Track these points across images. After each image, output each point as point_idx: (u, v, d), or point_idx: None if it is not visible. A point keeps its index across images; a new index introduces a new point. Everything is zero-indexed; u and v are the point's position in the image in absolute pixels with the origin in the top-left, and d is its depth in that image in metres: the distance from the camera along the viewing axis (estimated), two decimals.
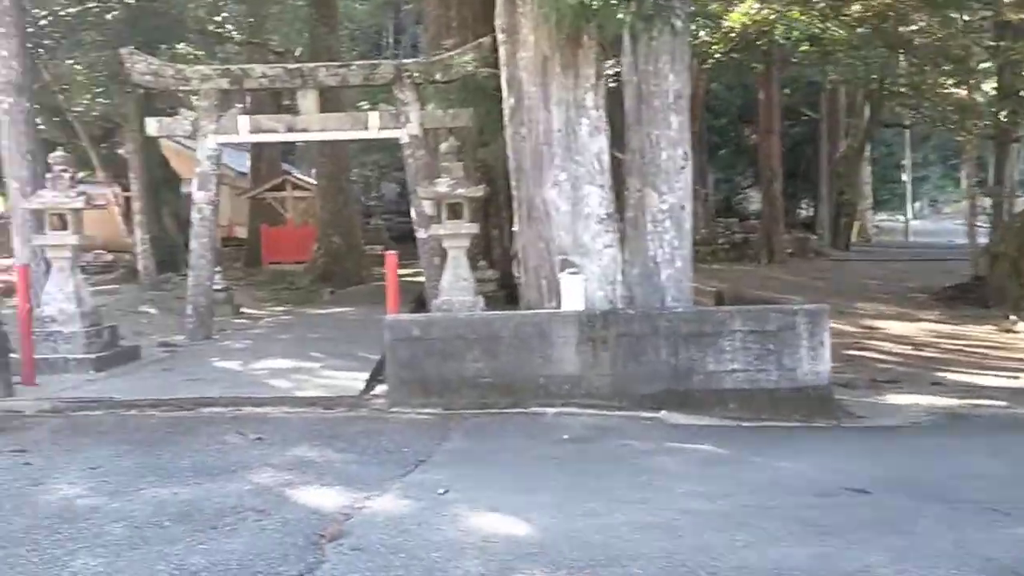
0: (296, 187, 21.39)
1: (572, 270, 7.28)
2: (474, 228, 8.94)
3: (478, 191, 8.89)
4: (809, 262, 25.14)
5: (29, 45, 13.23)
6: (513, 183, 7.86)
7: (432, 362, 7.11)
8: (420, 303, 13.35)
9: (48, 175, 9.24)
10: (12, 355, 8.07)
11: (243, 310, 14.46)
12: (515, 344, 7.05)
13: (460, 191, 8.69)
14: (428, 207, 11.06)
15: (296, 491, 4.97)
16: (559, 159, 7.46)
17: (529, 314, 7.26)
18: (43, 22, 15.50)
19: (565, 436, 6.23)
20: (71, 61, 16.41)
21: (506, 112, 7.81)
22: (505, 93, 7.78)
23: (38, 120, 15.07)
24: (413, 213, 11.23)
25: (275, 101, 21.13)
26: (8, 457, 5.70)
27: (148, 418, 6.84)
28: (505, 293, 11.95)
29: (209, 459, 5.63)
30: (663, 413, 6.83)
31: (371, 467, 5.45)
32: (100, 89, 16.14)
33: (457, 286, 8.77)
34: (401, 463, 5.53)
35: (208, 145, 11.23)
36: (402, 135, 11.13)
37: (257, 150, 25.92)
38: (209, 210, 11.38)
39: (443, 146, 9.01)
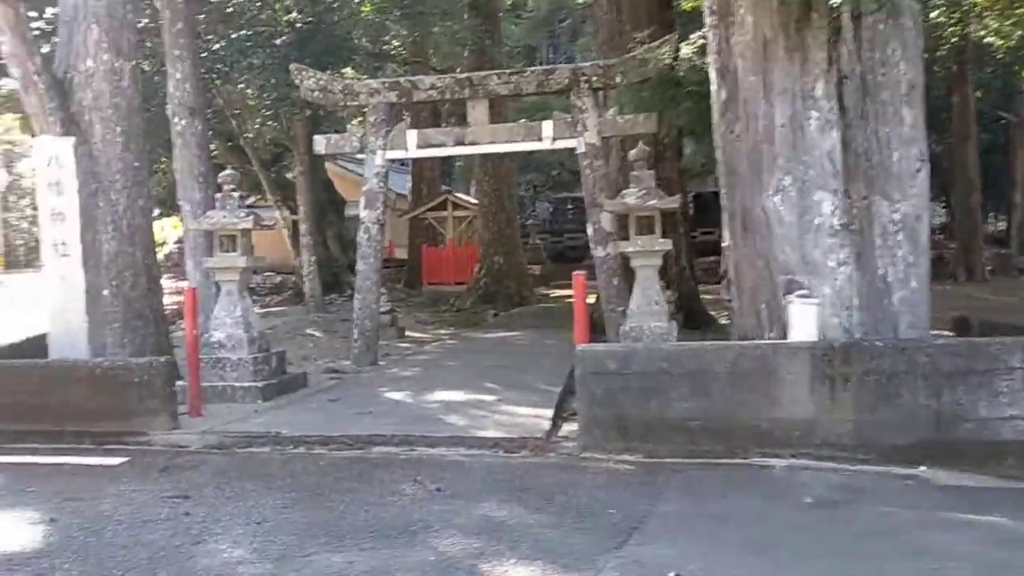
0: (457, 206, 20.99)
1: (801, 292, 6.08)
2: (667, 244, 7.88)
3: (672, 202, 7.84)
4: (1013, 280, 22.44)
5: (203, 70, 13.24)
6: (723, 190, 6.75)
7: (630, 400, 6.09)
8: (594, 329, 12.39)
9: (217, 195, 8.91)
10: (179, 382, 7.69)
11: (407, 333, 13.96)
12: (732, 381, 5.92)
13: (652, 203, 7.66)
14: (607, 222, 10.10)
15: (490, 567, 4.05)
16: (783, 160, 6.30)
17: (749, 346, 6.10)
18: (216, 46, 15.68)
19: (808, 499, 5.04)
20: (242, 85, 16.57)
21: (715, 109, 6.74)
22: (714, 86, 6.71)
23: (212, 145, 15.19)
24: (590, 230, 10.27)
25: (435, 121, 20.92)
26: (169, 506, 5.10)
27: (317, 458, 6.16)
28: (683, 317, 10.77)
29: (386, 515, 4.82)
30: (923, 470, 5.51)
31: (574, 535, 4.47)
32: (269, 112, 16.17)
33: (648, 310, 7.73)
34: (610, 530, 4.52)
35: (376, 162, 10.72)
36: (578, 144, 10.22)
37: (417, 170, 25.89)
38: (376, 230, 10.86)
39: (632, 153, 8.01)
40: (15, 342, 9.23)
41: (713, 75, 6.72)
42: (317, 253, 21.15)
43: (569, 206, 39.83)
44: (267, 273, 25.86)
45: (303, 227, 17.29)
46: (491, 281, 18.11)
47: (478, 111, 10.47)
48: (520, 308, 17.08)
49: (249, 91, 17.01)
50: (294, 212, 20.10)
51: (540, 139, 10.38)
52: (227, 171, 8.97)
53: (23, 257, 58.07)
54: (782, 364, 5.85)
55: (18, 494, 5.49)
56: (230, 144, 19.86)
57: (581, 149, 10.26)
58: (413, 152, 10.75)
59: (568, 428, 6.81)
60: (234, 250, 8.79)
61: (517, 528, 4.58)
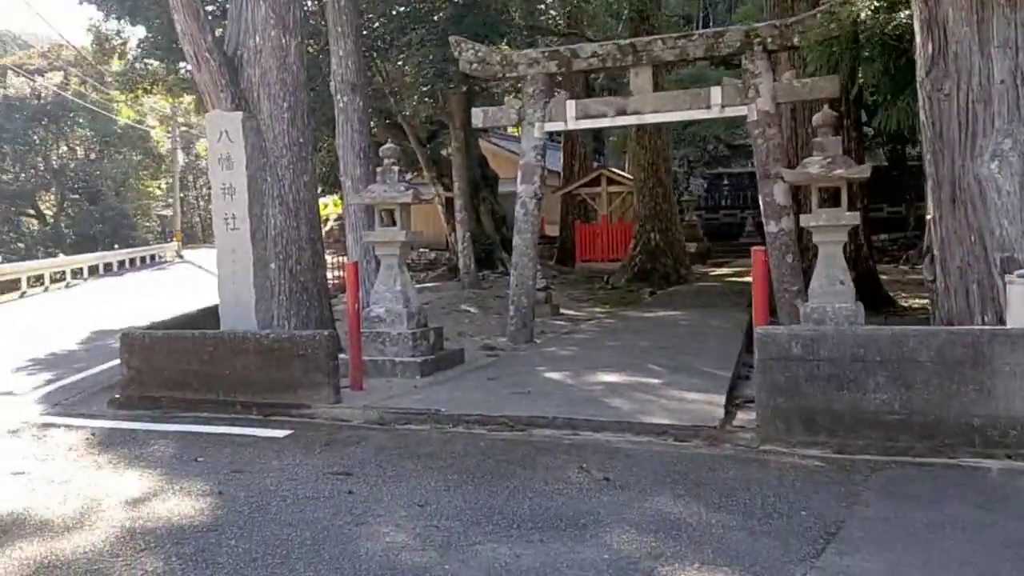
0: (611, 182, 20.47)
1: (1022, 272, 5.30)
2: (855, 219, 7.14)
3: (862, 172, 7.09)
4: None
5: (363, 48, 13.32)
6: (927, 156, 6.00)
7: (817, 389, 5.51)
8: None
9: (378, 169, 8.87)
10: (341, 355, 7.69)
11: (561, 311, 13.67)
12: (938, 371, 5.24)
13: (839, 172, 6.95)
14: (780, 195, 9.39)
15: (671, 570, 3.67)
16: (1002, 121, 5.50)
17: (959, 331, 5.38)
18: (376, 24, 15.85)
19: None
20: (400, 62, 16.70)
21: (920, 65, 5.97)
22: (919, 39, 5.95)
23: (371, 123, 15.36)
24: (761, 203, 9.59)
25: (587, 96, 20.43)
26: (332, 482, 5.01)
27: (477, 439, 5.94)
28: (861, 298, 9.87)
29: (552, 505, 4.52)
30: None
31: (763, 538, 4.01)
32: (426, 88, 16.20)
33: (832, 290, 7.04)
34: (804, 535, 4.03)
35: (534, 135, 10.43)
36: (749, 112, 9.54)
37: (568, 146, 25.53)
38: (533, 204, 10.58)
39: (816, 118, 7.29)
40: (190, 312, 9.59)
41: (917, 27, 5.95)
42: (470, 229, 21.29)
43: (725, 182, 38.40)
44: (422, 249, 26.30)
45: (458, 203, 17.31)
46: (647, 258, 17.54)
47: (641, 79, 9.96)
48: (677, 287, 16.44)
49: (407, 68, 17.14)
50: (448, 189, 20.23)
51: (708, 107, 9.76)
52: (388, 145, 8.91)
53: (200, 233, 62.11)
54: (999, 353, 5.12)
55: (189, 463, 5.56)
56: (388, 122, 20.14)
57: (753, 117, 9.57)
58: (572, 124, 10.38)
59: (743, 417, 6.29)
60: (394, 224, 8.72)
61: (697, 527, 4.17)
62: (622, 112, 10.13)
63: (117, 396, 7.61)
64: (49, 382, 9.01)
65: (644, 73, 9.94)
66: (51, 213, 44.56)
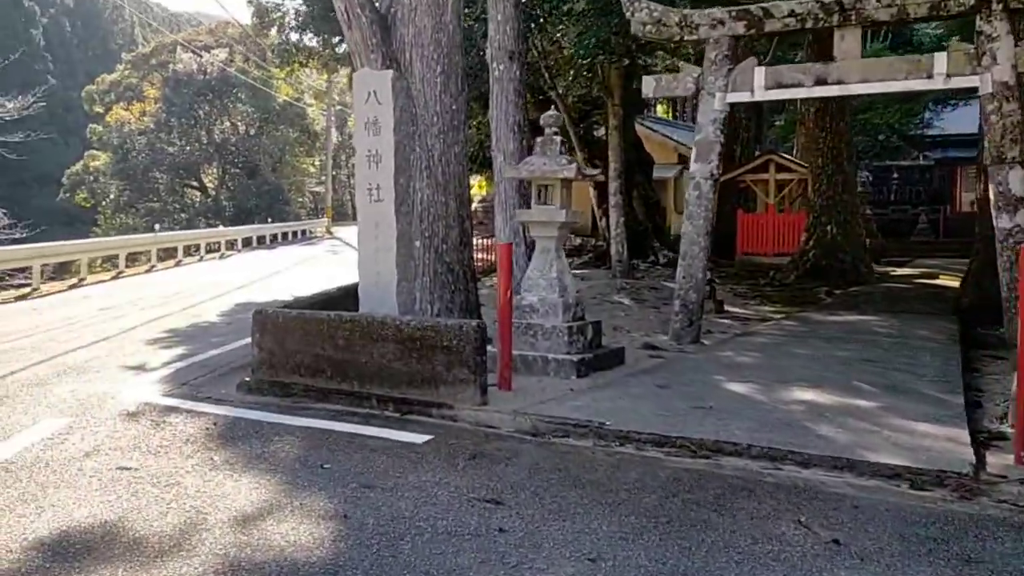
0: (781, 168, 18.73)
1: None
2: None
3: None
4: None
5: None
6: None
7: None
8: (966, 317, 9.97)
9: (537, 139, 7.86)
10: (489, 348, 6.74)
11: (726, 308, 12.30)
12: None
13: None
14: (1018, 183, 7.76)
15: None
16: None
17: None
18: None
19: None
20: (560, 32, 15.66)
21: None
22: None
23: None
24: (992, 192, 7.98)
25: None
26: (479, 512, 4.03)
27: (653, 466, 4.83)
28: None
29: (763, 574, 3.37)
30: None
31: None
32: (585, 61, 15.07)
33: None
34: None
35: (714, 106, 9.14)
36: (983, 83, 7.93)
37: (731, 129, 23.77)
38: (708, 186, 9.31)
39: None
40: (329, 291, 8.91)
41: None
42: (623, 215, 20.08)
43: (894, 175, 35.38)
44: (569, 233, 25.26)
45: (613, 185, 16.13)
46: (821, 253, 15.79)
47: (848, 42, 8.49)
48: (859, 287, 14.65)
49: (565, 40, 16.10)
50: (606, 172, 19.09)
51: (929, 76, 8.18)
52: (550, 112, 7.87)
53: (350, 211, 63.59)
54: None
55: (314, 471, 4.73)
56: (540, 98, 19.18)
57: (986, 89, 7.95)
58: (760, 94, 9.02)
59: (996, 461, 4.89)
60: (552, 202, 7.70)
61: None
62: (822, 81, 8.69)
63: (246, 379, 6.96)
64: (182, 357, 8.54)
65: (852, 36, 8.47)
66: (212, 186, 46.43)
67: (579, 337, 7.57)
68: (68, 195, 48.76)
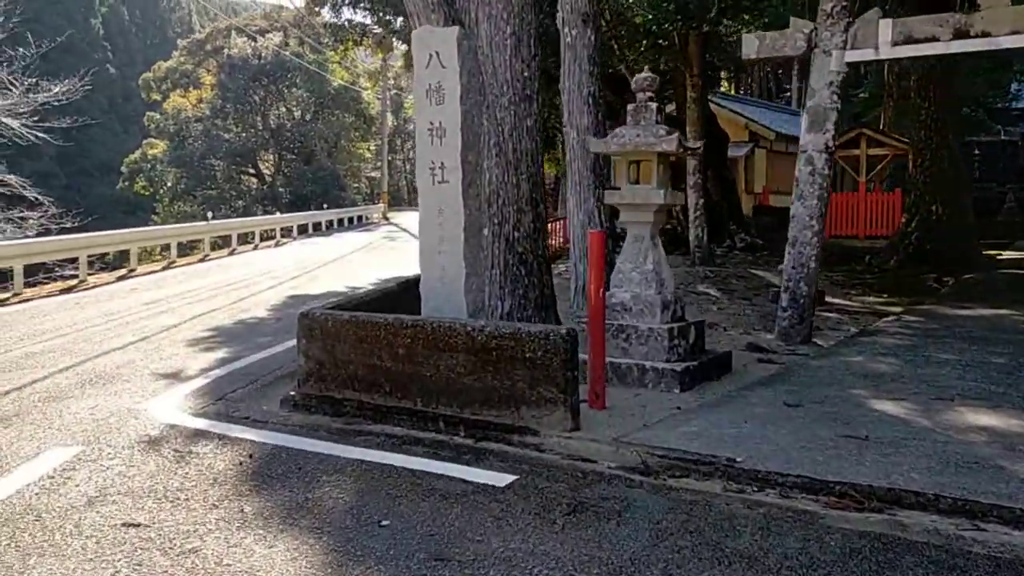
0: (873, 143, 17.14)
1: None
2: None
3: None
4: None
5: None
6: None
7: None
8: None
9: (629, 107, 6.65)
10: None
11: (827, 299, 10.96)
12: None
13: None
14: None
15: None
16: None
17: None
18: None
19: None
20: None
21: None
22: None
23: None
24: None
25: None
26: None
27: (814, 525, 3.64)
28: None
29: None
30: None
31: None
32: (660, 28, 13.75)
33: None
34: None
35: (830, 67, 7.84)
36: None
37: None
38: (823, 161, 8.01)
39: None
40: (387, 287, 7.87)
41: None
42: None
43: (975, 152, 32.99)
44: None
45: (691, 164, 14.80)
46: (925, 236, 14.24)
47: None
48: (973, 274, 13.10)
49: (637, 5, 14.81)
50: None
51: None
52: (644, 74, 6.65)
53: (406, 196, 62.91)
54: None
55: (370, 529, 3.65)
56: (610, 71, 17.89)
57: None
58: (886, 51, 7.66)
59: None
60: (648, 181, 6.50)
61: None
62: (962, 34, 7.31)
63: (291, 394, 5.94)
64: (223, 362, 7.57)
65: None
66: (269, 172, 46.02)
67: (680, 341, 6.39)
68: (127, 184, 48.93)
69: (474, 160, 6.26)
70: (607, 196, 6.69)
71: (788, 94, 42.96)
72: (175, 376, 7.00)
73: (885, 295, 11.63)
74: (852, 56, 7.78)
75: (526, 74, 7.80)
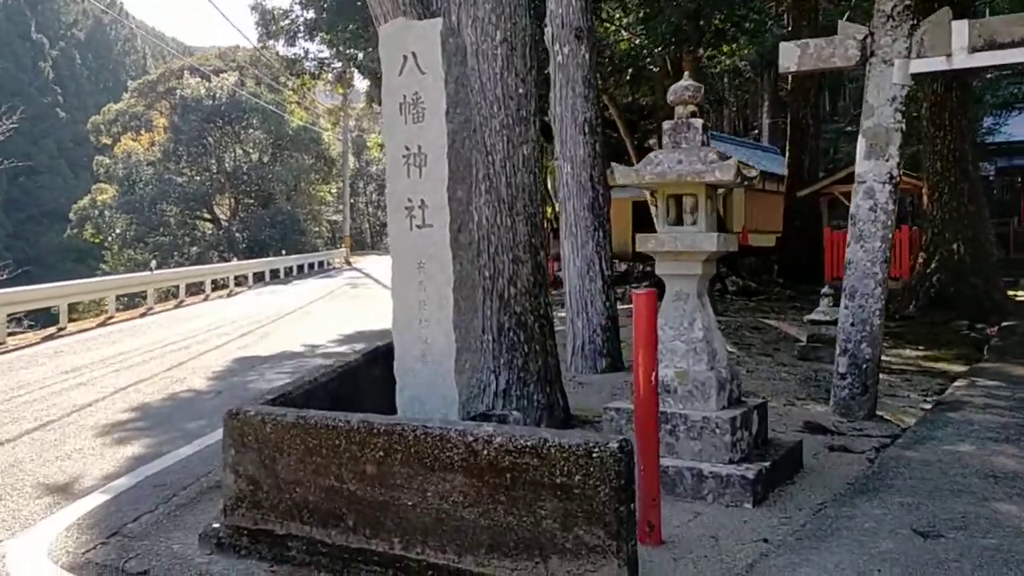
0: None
1: None
2: None
3: None
4: None
5: None
6: None
7: None
8: None
9: (665, 126, 5.11)
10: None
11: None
12: None
13: None
14: None
15: None
16: None
17: None
18: None
19: None
20: (616, 21, 13.03)
21: None
22: None
23: None
24: None
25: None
26: None
27: None
28: None
29: None
30: None
31: None
32: (657, 50, 12.41)
33: None
34: None
35: (891, 79, 6.42)
36: None
37: (797, 136, 21.02)
38: (887, 193, 6.55)
39: None
40: (346, 363, 6.17)
41: None
42: None
43: (991, 178, 31.77)
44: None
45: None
46: (948, 278, 12.90)
47: None
48: (1012, 321, 11.70)
49: (625, 28, 13.50)
50: None
51: None
52: (684, 82, 5.12)
53: (369, 240, 61.23)
54: None
55: None
56: None
57: None
58: (961, 59, 6.24)
59: None
60: (693, 222, 4.96)
61: None
62: None
63: (215, 527, 4.22)
64: (134, 464, 5.81)
65: None
66: (225, 217, 44.11)
67: (743, 433, 4.79)
68: (76, 231, 46.77)
69: (464, 196, 4.64)
70: (640, 242, 5.12)
71: (756, 131, 42.23)
72: (65, 490, 5.22)
73: (921, 347, 10.19)
74: (919, 66, 6.36)
75: (521, 91, 6.31)
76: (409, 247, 4.61)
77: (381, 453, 3.80)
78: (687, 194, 4.97)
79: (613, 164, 5.14)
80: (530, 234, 6.36)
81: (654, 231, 5.20)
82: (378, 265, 34.42)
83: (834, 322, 9.59)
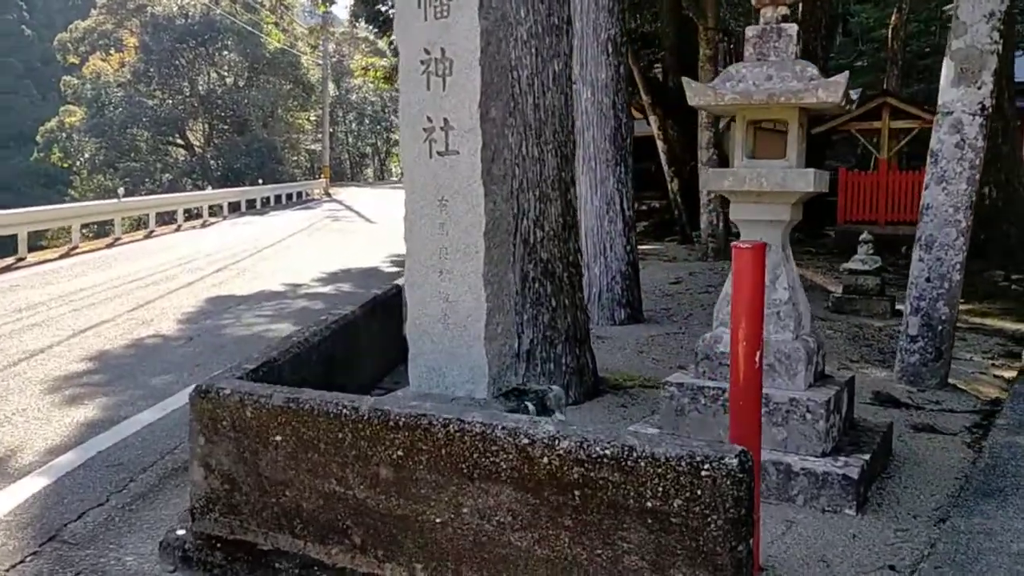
0: (898, 114, 14.92)
1: None
2: None
3: None
4: None
5: None
6: None
7: None
8: None
9: (750, 32, 4.08)
10: None
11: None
12: None
13: None
14: None
15: None
16: None
17: None
18: None
19: None
20: None
21: None
22: None
23: None
24: None
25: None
26: None
27: None
28: None
29: None
30: None
31: None
32: None
33: None
34: None
35: None
36: None
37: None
38: (976, 127, 5.62)
39: None
40: (341, 317, 5.22)
41: None
42: (688, 176, 16.43)
43: None
44: None
45: (704, 137, 12.38)
46: (976, 224, 12.00)
47: None
48: None
49: None
50: (667, 121, 15.34)
51: None
52: None
53: (348, 171, 59.49)
54: None
55: None
56: None
57: None
58: None
59: None
60: (778, 155, 4.00)
61: None
62: None
63: (180, 534, 3.29)
64: (85, 434, 4.84)
65: None
66: (198, 143, 42.39)
67: (836, 418, 3.91)
68: (43, 154, 44.84)
69: (499, 117, 3.61)
70: (713, 179, 4.14)
71: None
72: None
73: (961, 300, 9.36)
74: None
75: None
76: (428, 180, 3.62)
77: (400, 453, 2.87)
78: (774, 120, 3.99)
79: (685, 80, 4.12)
80: (560, 167, 5.37)
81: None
82: (359, 197, 33.15)
83: (874, 272, 8.76)
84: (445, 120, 3.54)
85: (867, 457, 3.77)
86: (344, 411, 2.99)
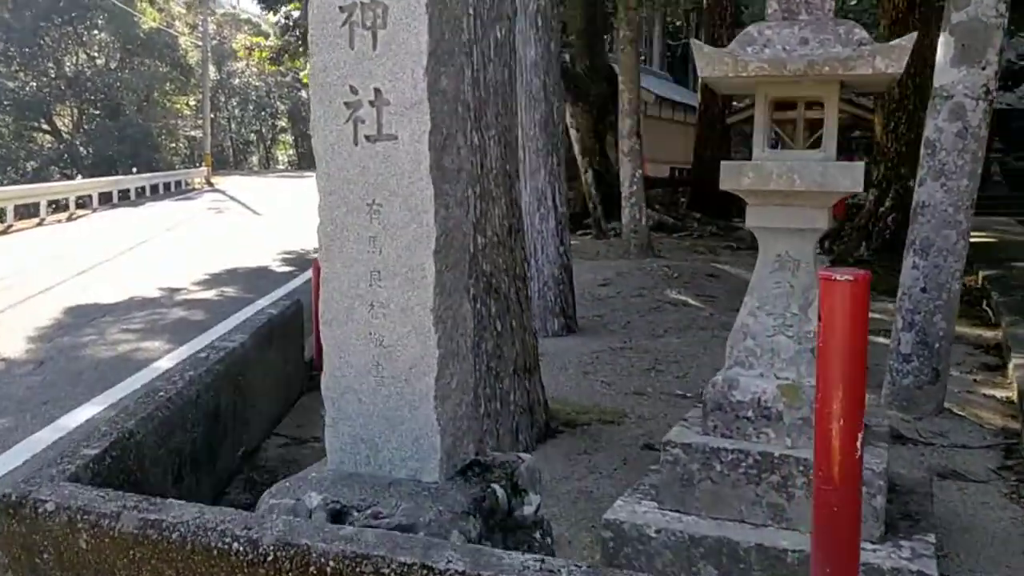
0: (814, 104, 14.50)
1: None
2: None
3: None
4: None
5: None
6: None
7: None
8: None
9: None
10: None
11: None
12: None
13: None
14: None
15: None
16: None
17: None
18: None
19: None
20: None
21: None
22: None
23: None
24: None
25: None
26: None
27: None
28: None
29: None
30: None
31: None
32: None
33: None
34: None
35: None
36: None
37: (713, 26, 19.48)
38: (980, 112, 4.88)
39: None
40: (229, 351, 4.04)
41: None
42: (597, 166, 15.74)
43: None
44: None
45: (626, 125, 11.60)
46: (904, 218, 11.67)
47: None
48: (992, 270, 10.48)
49: None
50: (586, 110, 14.58)
51: None
52: None
53: (231, 159, 56.61)
54: None
55: None
56: None
57: None
58: None
59: None
60: (808, 143, 3.11)
61: None
62: None
63: None
64: None
65: None
66: (67, 129, 39.17)
67: (883, 485, 3.04)
68: None
69: (452, 89, 2.56)
70: (727, 175, 3.20)
71: (643, 58, 40.77)
72: None
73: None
74: None
75: None
76: (353, 176, 2.54)
77: None
78: (807, 98, 3.09)
79: (695, 43, 3.16)
80: (504, 157, 4.35)
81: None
82: (244, 187, 31.18)
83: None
84: (376, 91, 2.47)
85: (932, 539, 2.92)
86: (236, 546, 1.89)
